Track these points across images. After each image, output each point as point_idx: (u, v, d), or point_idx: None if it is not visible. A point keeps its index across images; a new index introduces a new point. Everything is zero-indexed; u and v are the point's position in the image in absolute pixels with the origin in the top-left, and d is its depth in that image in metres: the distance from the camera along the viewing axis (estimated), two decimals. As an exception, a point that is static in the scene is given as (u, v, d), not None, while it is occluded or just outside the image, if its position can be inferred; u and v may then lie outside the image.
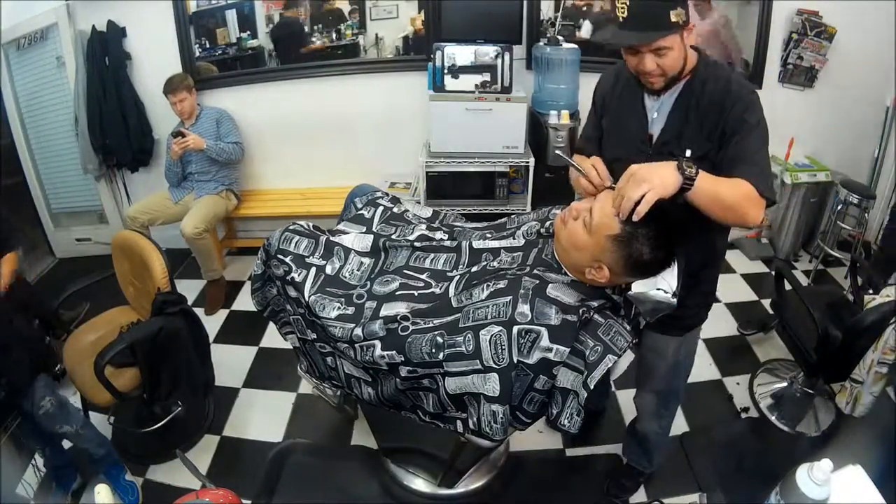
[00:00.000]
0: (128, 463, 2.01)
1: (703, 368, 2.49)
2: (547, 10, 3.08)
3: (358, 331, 1.34)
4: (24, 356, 1.73)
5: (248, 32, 3.16)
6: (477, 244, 1.46)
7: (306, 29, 3.16)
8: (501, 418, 1.23)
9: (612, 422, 2.23)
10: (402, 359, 1.30)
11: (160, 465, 2.10)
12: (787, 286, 2.18)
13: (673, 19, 1.19)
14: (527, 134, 3.02)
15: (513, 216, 1.58)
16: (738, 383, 2.44)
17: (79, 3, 2.98)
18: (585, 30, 3.04)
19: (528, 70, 3.13)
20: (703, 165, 1.19)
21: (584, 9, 3.09)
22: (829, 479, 0.84)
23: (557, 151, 1.60)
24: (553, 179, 3.01)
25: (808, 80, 3.11)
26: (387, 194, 1.76)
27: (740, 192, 1.18)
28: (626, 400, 2.23)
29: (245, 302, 3.01)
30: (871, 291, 2.15)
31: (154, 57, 3.10)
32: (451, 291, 1.36)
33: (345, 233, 1.60)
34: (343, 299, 1.43)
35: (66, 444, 1.95)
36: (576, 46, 2.89)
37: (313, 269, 1.48)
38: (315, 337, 1.52)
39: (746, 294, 3.06)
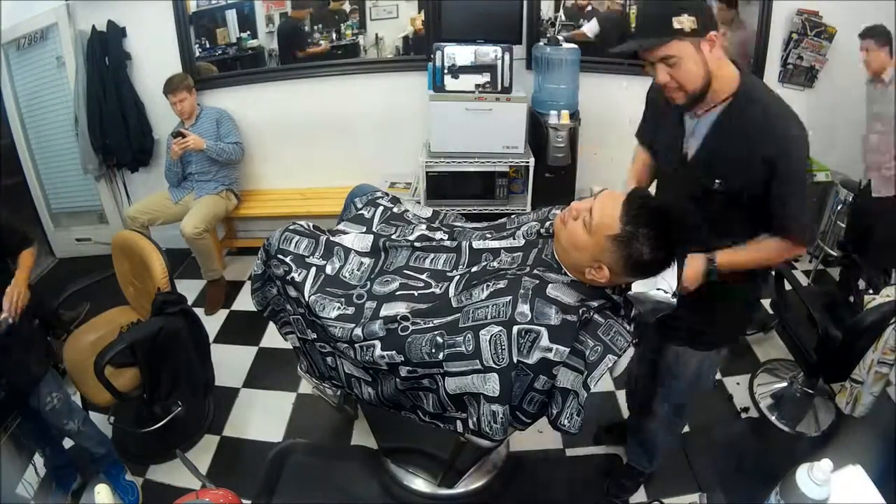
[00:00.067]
0: (128, 463, 2.01)
1: (704, 368, 2.49)
2: (547, 10, 3.08)
3: (358, 331, 1.34)
4: (26, 357, 1.73)
5: (248, 32, 3.16)
6: (477, 244, 1.46)
7: (307, 28, 3.17)
8: (501, 418, 1.23)
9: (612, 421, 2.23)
10: (402, 359, 1.30)
11: (160, 465, 2.10)
12: (787, 286, 2.18)
13: (676, 26, 1.15)
14: (527, 134, 3.02)
15: (513, 216, 1.58)
16: (738, 383, 2.44)
17: (79, 3, 2.98)
18: (590, 29, 3.03)
19: (528, 70, 3.13)
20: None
21: (589, 9, 3.08)
22: (829, 479, 0.84)
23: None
24: (553, 179, 3.01)
25: (808, 80, 3.11)
26: (387, 194, 1.76)
27: (764, 255, 1.32)
28: (626, 400, 2.23)
29: (245, 302, 3.01)
30: (870, 291, 2.15)
31: (154, 57, 3.10)
32: (451, 291, 1.36)
33: (345, 233, 1.60)
34: (343, 299, 1.43)
35: (67, 443, 1.95)
36: (576, 46, 2.89)
37: (313, 269, 1.48)
38: (315, 337, 1.52)
39: (746, 294, 3.05)
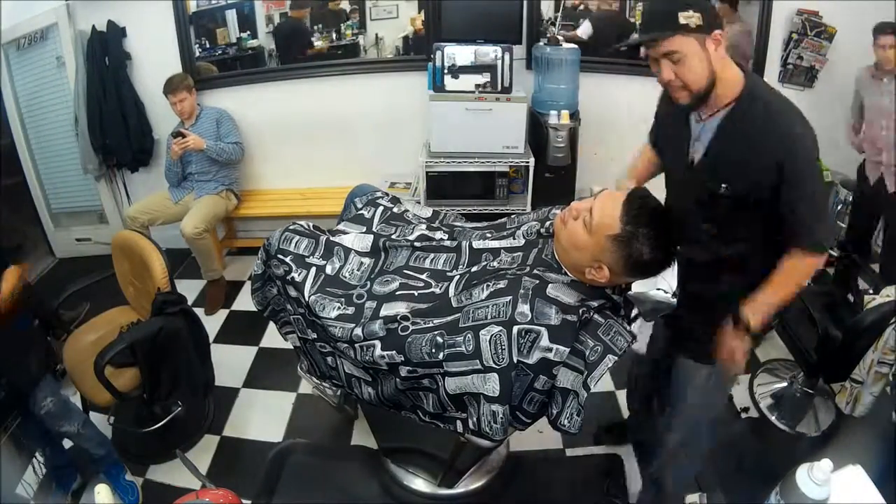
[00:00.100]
0: (128, 463, 2.01)
1: (704, 368, 2.49)
2: (547, 10, 3.09)
3: (358, 331, 1.34)
4: (25, 357, 1.73)
5: (248, 32, 3.16)
6: (477, 244, 1.46)
7: (308, 27, 3.16)
8: (501, 418, 1.23)
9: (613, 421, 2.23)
10: (402, 359, 1.30)
11: (160, 465, 2.10)
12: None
13: (682, 21, 1.12)
14: (527, 134, 3.02)
15: (513, 216, 1.58)
16: (738, 383, 2.44)
17: (79, 3, 2.98)
18: (583, 31, 3.03)
19: (528, 70, 3.13)
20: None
21: (581, 8, 3.09)
22: (829, 479, 0.84)
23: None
24: (553, 179, 3.01)
25: (808, 80, 3.11)
26: (387, 194, 1.76)
27: (791, 284, 1.27)
28: (626, 400, 2.23)
29: (245, 302, 3.00)
30: (870, 291, 2.15)
31: (154, 57, 3.10)
32: (451, 291, 1.36)
33: (345, 233, 1.60)
34: (343, 299, 1.43)
35: (67, 444, 1.95)
36: (576, 46, 2.89)
37: (313, 269, 1.48)
38: (315, 337, 1.52)
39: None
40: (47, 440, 1.89)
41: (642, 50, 1.37)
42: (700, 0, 1.15)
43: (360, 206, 1.71)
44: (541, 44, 2.99)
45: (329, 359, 1.54)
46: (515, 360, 1.20)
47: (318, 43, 3.19)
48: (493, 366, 1.20)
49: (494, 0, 2.98)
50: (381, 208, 1.67)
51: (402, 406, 1.45)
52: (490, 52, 2.81)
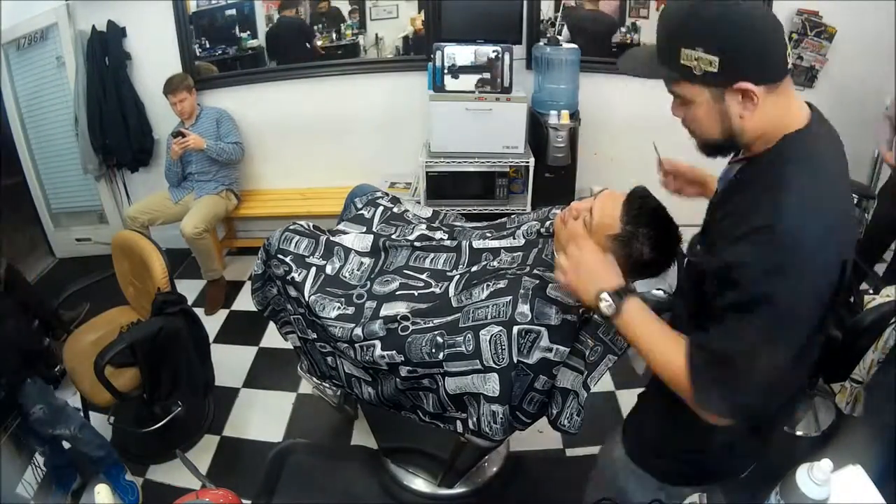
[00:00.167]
0: (128, 463, 2.01)
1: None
2: (547, 10, 3.09)
3: (358, 331, 1.34)
4: (14, 357, 1.73)
5: (248, 32, 3.16)
6: (477, 244, 1.46)
7: (308, 25, 3.17)
8: (501, 418, 1.23)
9: (612, 422, 2.22)
10: (402, 359, 1.30)
11: (160, 465, 2.10)
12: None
13: (682, 61, 0.82)
14: (527, 134, 3.02)
15: (513, 216, 1.58)
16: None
17: (79, 3, 2.98)
18: (563, 38, 3.00)
19: (528, 70, 3.13)
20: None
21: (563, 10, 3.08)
22: (829, 479, 0.84)
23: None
24: (553, 179, 3.01)
25: (808, 80, 3.11)
26: (387, 194, 1.76)
27: (668, 372, 0.89)
28: (626, 400, 2.23)
29: (245, 302, 3.00)
30: (870, 291, 2.15)
31: (154, 57, 3.10)
32: (451, 291, 1.36)
33: (345, 233, 1.60)
34: (343, 299, 1.43)
35: (67, 444, 1.95)
36: (576, 46, 2.89)
37: (313, 269, 1.48)
38: (315, 337, 1.52)
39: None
40: (47, 440, 1.89)
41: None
42: (719, 34, 0.79)
43: (360, 206, 1.72)
44: (541, 44, 2.99)
45: (329, 359, 1.54)
46: (515, 360, 1.20)
47: (319, 42, 3.19)
48: (493, 366, 1.20)
49: (494, 0, 2.98)
50: (381, 208, 1.67)
51: (402, 406, 1.45)
52: (490, 52, 2.81)
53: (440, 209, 1.74)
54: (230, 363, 2.55)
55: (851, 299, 2.12)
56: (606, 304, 0.95)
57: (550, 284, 1.25)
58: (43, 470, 1.98)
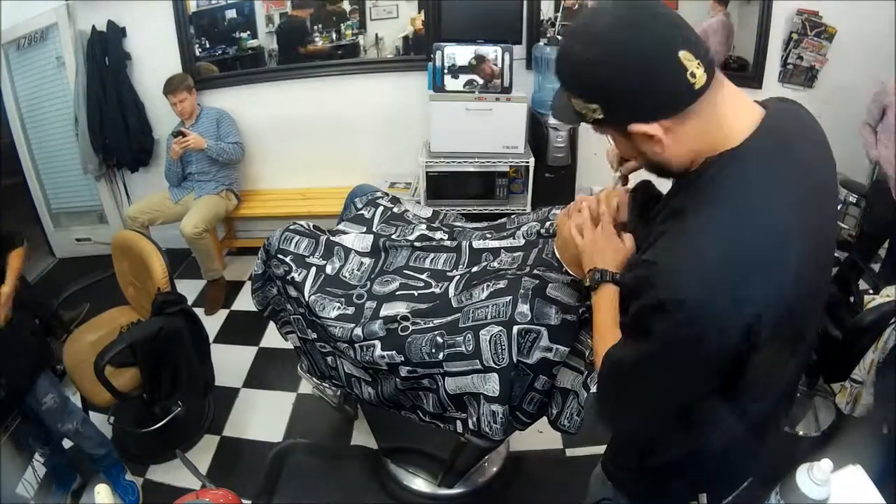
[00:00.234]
0: (128, 463, 2.01)
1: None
2: (547, 10, 3.08)
3: (358, 331, 1.34)
4: (25, 356, 1.73)
5: (248, 32, 3.16)
6: (477, 244, 1.46)
7: (308, 26, 3.16)
8: (501, 418, 1.23)
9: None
10: (402, 359, 1.30)
11: (160, 465, 2.10)
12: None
13: (576, 108, 0.78)
14: (527, 134, 3.02)
15: (513, 216, 1.58)
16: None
17: (79, 3, 2.98)
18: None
19: (528, 70, 3.13)
20: None
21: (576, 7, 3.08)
22: (829, 479, 0.84)
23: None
24: (553, 179, 3.01)
25: (808, 80, 3.11)
26: (387, 194, 1.76)
27: (602, 336, 0.93)
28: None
29: (245, 302, 3.01)
30: (870, 291, 2.15)
31: (154, 57, 3.10)
32: (451, 291, 1.36)
33: (345, 233, 1.60)
34: (343, 299, 1.43)
35: (67, 443, 1.95)
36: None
37: (313, 269, 1.48)
38: (315, 336, 1.52)
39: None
40: (47, 440, 1.89)
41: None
42: (587, 83, 0.75)
43: (360, 206, 1.71)
44: (541, 44, 2.99)
45: (329, 359, 1.54)
46: (515, 360, 1.20)
47: (319, 42, 3.19)
48: (493, 366, 1.20)
49: (494, 0, 2.98)
50: (381, 208, 1.67)
51: (402, 406, 1.45)
52: (490, 52, 2.81)
53: (440, 209, 1.74)
54: (230, 363, 2.55)
55: (851, 299, 2.13)
56: (593, 278, 1.00)
57: (550, 284, 1.25)
58: (43, 470, 1.98)
